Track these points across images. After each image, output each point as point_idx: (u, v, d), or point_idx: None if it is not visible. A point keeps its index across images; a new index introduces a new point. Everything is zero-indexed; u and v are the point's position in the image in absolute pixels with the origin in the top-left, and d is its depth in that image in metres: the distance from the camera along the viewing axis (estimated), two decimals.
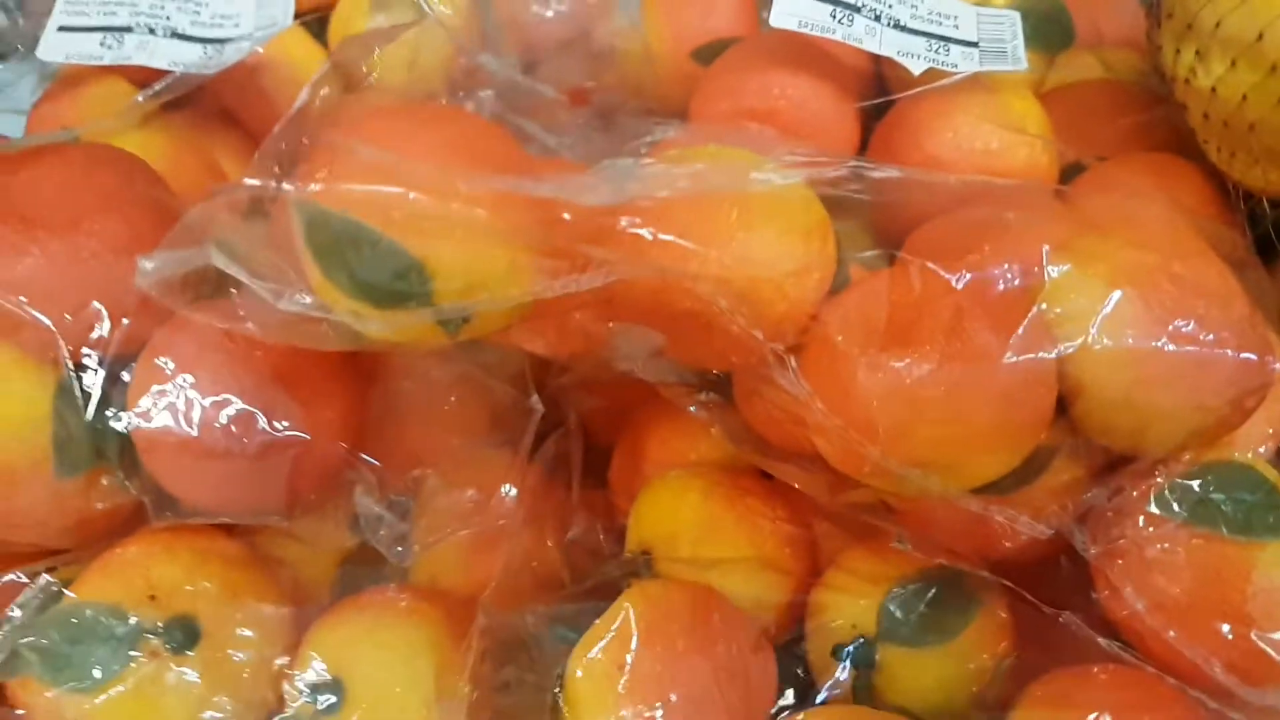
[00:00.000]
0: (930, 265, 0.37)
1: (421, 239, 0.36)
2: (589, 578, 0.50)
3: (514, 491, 0.48)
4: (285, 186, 0.34)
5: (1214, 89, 0.46)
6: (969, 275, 0.37)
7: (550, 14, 0.77)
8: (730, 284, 0.37)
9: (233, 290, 0.38)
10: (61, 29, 0.56)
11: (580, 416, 0.60)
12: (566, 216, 0.36)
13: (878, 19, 0.53)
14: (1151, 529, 0.39)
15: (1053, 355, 0.37)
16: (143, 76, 0.59)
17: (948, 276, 0.37)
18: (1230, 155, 0.47)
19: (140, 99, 0.55)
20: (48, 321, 0.41)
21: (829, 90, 0.55)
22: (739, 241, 0.38)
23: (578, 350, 0.47)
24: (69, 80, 0.66)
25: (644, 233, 0.37)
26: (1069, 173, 0.54)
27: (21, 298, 0.41)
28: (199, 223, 0.36)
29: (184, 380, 0.41)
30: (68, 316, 0.42)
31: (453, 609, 0.47)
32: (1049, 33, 0.56)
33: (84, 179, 0.43)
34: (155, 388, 0.41)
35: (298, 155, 0.37)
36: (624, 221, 0.37)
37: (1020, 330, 0.37)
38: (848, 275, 0.43)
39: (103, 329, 0.42)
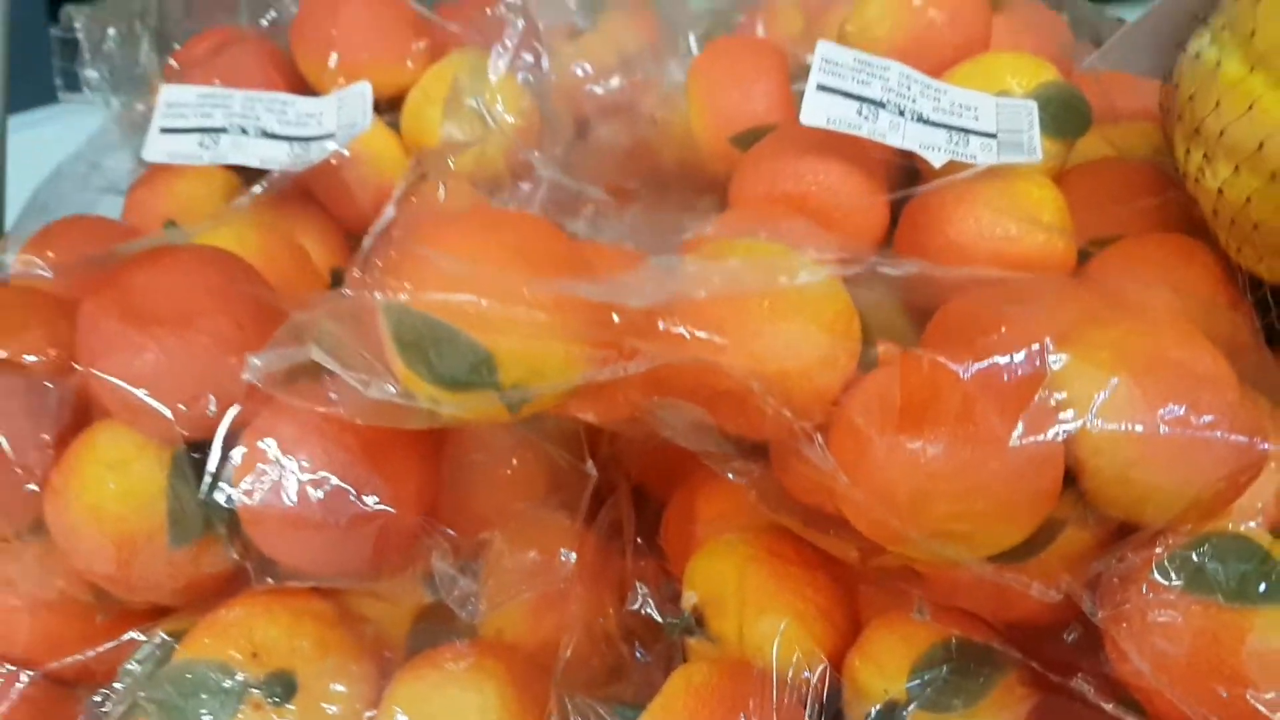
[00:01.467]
0: (941, 358, 0.41)
1: (490, 335, 0.42)
2: (645, 640, 0.54)
3: (573, 557, 0.53)
4: (376, 296, 0.40)
5: (1220, 190, 0.50)
6: (979, 365, 0.42)
7: (600, 90, 0.83)
8: (761, 372, 0.42)
9: (327, 379, 0.43)
10: (164, 130, 0.63)
11: (632, 476, 0.65)
12: (616, 318, 0.41)
13: (901, 113, 0.58)
14: (1153, 595, 0.43)
15: (1057, 438, 0.41)
16: None
17: (957, 368, 0.41)
18: (1238, 248, 0.51)
19: (241, 201, 0.60)
20: (165, 410, 0.47)
21: (859, 178, 0.59)
22: (769, 335, 0.43)
23: (625, 420, 0.53)
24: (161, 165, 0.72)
25: (683, 331, 0.42)
26: (1085, 252, 0.58)
27: (143, 390, 0.47)
28: (301, 325, 0.41)
29: (285, 460, 0.46)
30: (182, 406, 0.47)
31: (517, 663, 0.52)
32: (1067, 120, 0.60)
33: (195, 280, 0.49)
34: (259, 467, 0.47)
35: (386, 265, 0.42)
36: (663, 324, 0.42)
37: (1026, 415, 0.41)
38: (875, 353, 0.47)
39: (212, 415, 0.48)
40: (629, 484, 0.64)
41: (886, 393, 0.42)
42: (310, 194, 0.71)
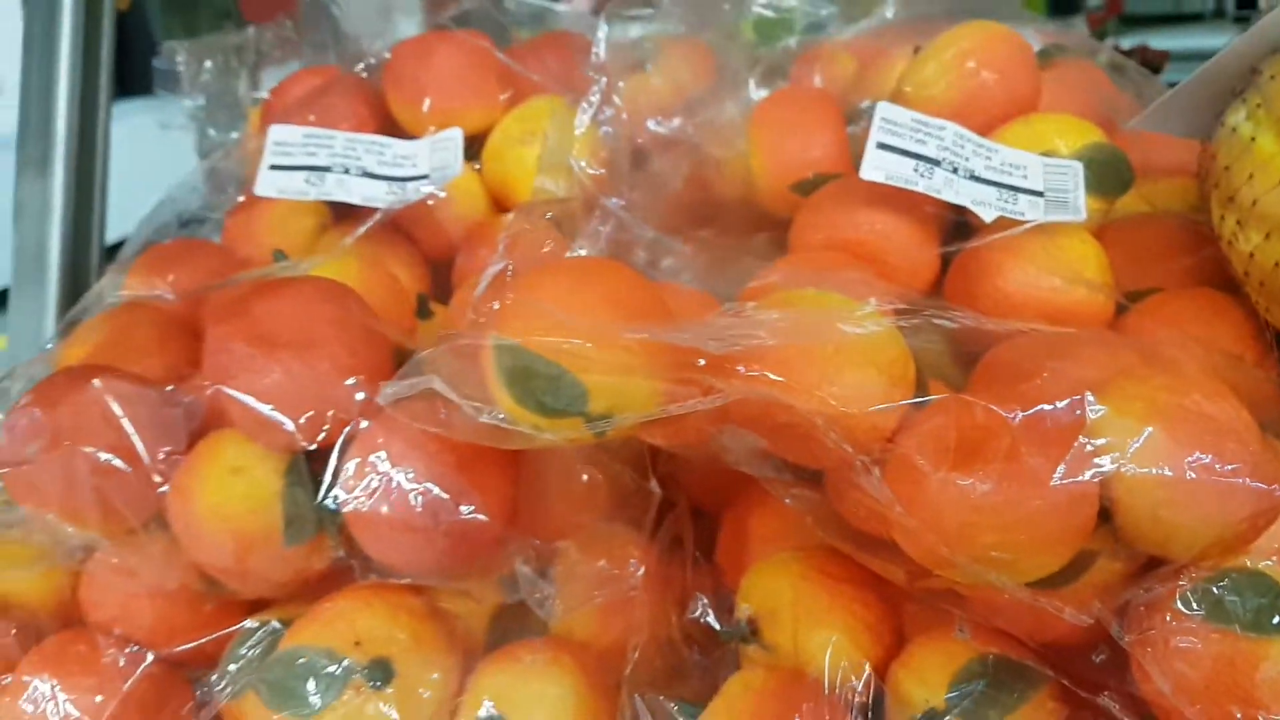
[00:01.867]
0: (991, 405, 0.46)
1: (586, 371, 0.47)
2: (703, 646, 0.59)
3: (642, 569, 0.58)
4: (490, 337, 0.45)
5: (1252, 254, 0.54)
6: (1026, 412, 0.46)
7: (662, 129, 0.88)
8: (826, 411, 0.47)
9: (440, 405, 0.48)
10: (273, 168, 0.69)
11: (689, 491, 0.70)
12: (701, 362, 0.47)
13: (955, 171, 0.63)
14: (1177, 623, 0.47)
15: (1094, 479, 0.46)
16: None
17: (1007, 414, 0.46)
18: (1267, 308, 0.56)
19: (347, 240, 0.66)
20: (288, 423, 0.53)
21: (913, 229, 0.64)
22: (834, 378, 0.48)
23: (690, 444, 0.58)
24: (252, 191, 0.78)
25: (758, 373, 0.47)
26: (1122, 304, 0.62)
27: (269, 405, 0.53)
28: (425, 360, 0.47)
29: (393, 471, 0.52)
30: (301, 420, 0.53)
31: (589, 661, 0.57)
32: (1109, 181, 0.65)
33: (314, 310, 0.55)
34: (369, 476, 0.52)
35: (497, 310, 0.47)
36: (742, 368, 0.47)
37: (1066, 458, 0.46)
38: (928, 392, 0.52)
39: (327, 429, 0.53)
40: (686, 500, 0.69)
41: (942, 433, 0.47)
42: (398, 226, 0.77)
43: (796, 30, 0.94)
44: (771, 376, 0.47)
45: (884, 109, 0.65)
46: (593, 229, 0.65)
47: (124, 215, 0.91)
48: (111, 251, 0.93)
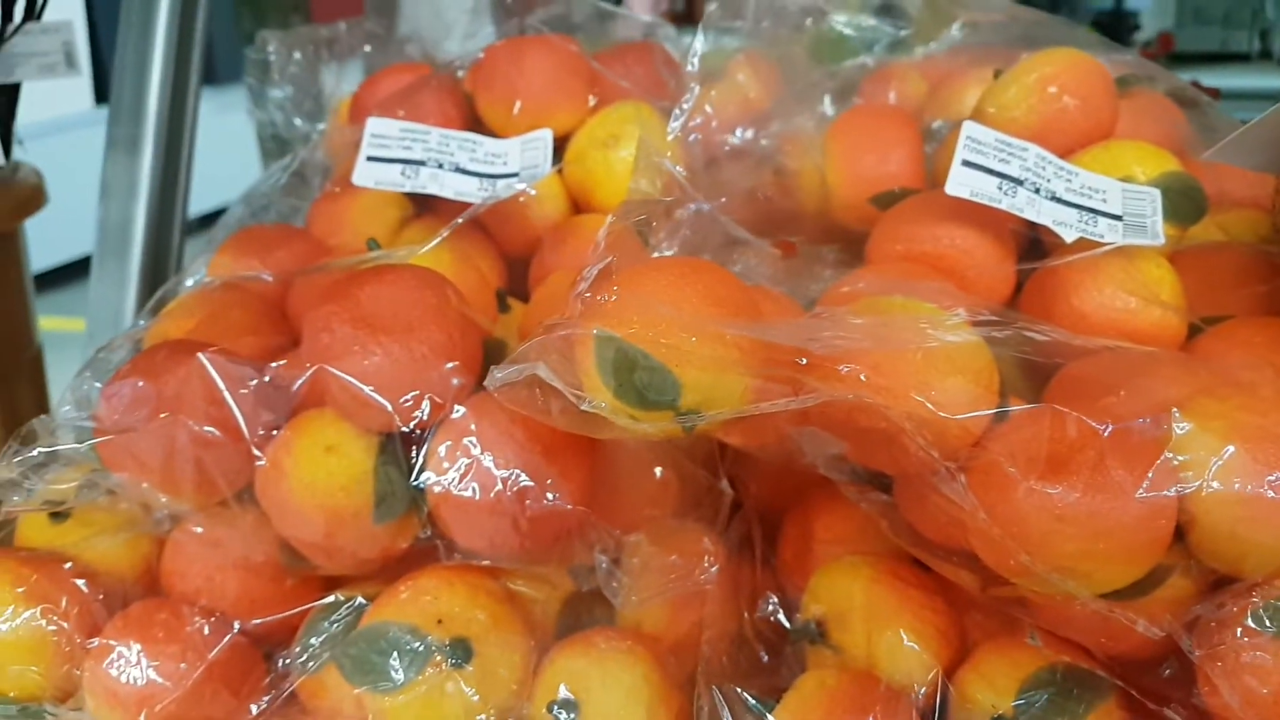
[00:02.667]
0: (1083, 417, 0.48)
1: (681, 366, 0.48)
2: (775, 648, 0.60)
3: (715, 566, 0.59)
4: (594, 330, 0.47)
5: None
6: (1113, 426, 0.48)
7: (736, 140, 0.90)
8: (919, 415, 0.48)
9: (538, 392, 0.50)
10: (370, 159, 0.71)
11: (751, 494, 0.71)
12: (804, 361, 0.48)
13: (1038, 191, 0.64)
14: (1247, 639, 0.48)
15: (1174, 494, 0.47)
16: None
17: (1097, 426, 0.47)
18: None
19: (443, 233, 0.68)
20: (387, 404, 0.54)
21: (991, 245, 0.65)
22: (928, 384, 0.49)
23: (767, 445, 0.59)
24: (341, 181, 0.80)
25: (860, 375, 0.48)
26: (1195, 328, 0.63)
27: (370, 386, 0.54)
28: (532, 349, 0.49)
29: (484, 456, 0.54)
30: (400, 401, 0.55)
31: (660, 652, 0.58)
32: (1185, 208, 0.66)
33: (414, 296, 0.57)
34: (460, 460, 0.54)
35: (602, 305, 0.49)
36: (845, 368, 0.48)
37: (1150, 473, 0.47)
38: (1009, 404, 0.54)
39: (423, 412, 0.55)
40: (753, 499, 0.71)
41: (1031, 442, 0.48)
42: (478, 222, 0.79)
43: (868, 50, 0.96)
44: (866, 379, 0.49)
45: (969, 128, 0.66)
46: (680, 229, 0.67)
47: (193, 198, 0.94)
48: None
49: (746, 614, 0.62)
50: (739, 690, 0.54)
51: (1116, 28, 4.33)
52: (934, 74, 0.97)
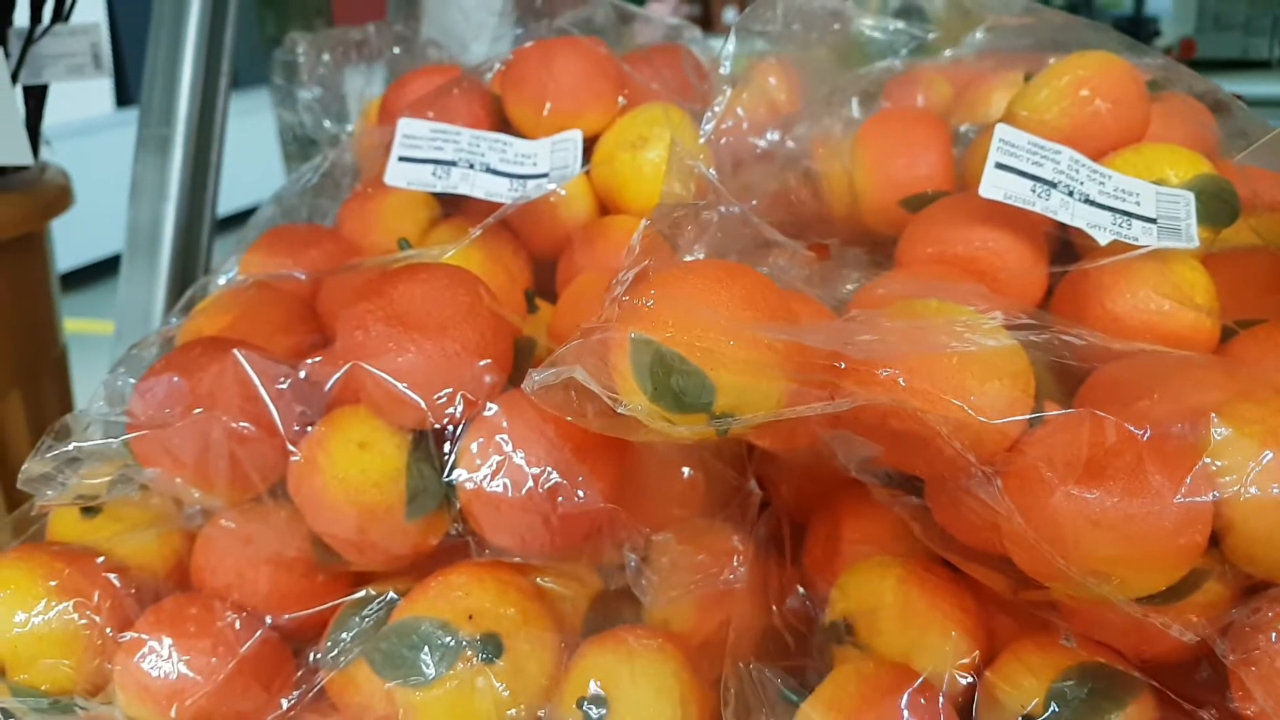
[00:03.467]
0: (1121, 422, 0.47)
1: (716, 369, 0.48)
2: (804, 641, 0.60)
3: (743, 567, 0.59)
4: (631, 334, 0.47)
5: None
6: (1151, 431, 0.47)
7: (763, 143, 0.90)
8: (956, 418, 0.48)
9: (573, 394, 0.50)
10: (401, 159, 0.71)
11: (778, 495, 0.71)
12: (842, 365, 0.48)
13: (1071, 194, 0.64)
14: None
15: (1211, 500, 0.47)
16: None
17: (1136, 431, 0.47)
18: None
19: (474, 232, 0.68)
20: (420, 401, 0.55)
21: (1024, 248, 0.65)
22: (965, 387, 0.49)
23: (798, 448, 0.59)
24: (371, 181, 0.81)
25: (899, 380, 0.48)
26: (1229, 330, 0.63)
27: (404, 383, 0.55)
28: (569, 352, 0.49)
29: (516, 454, 0.54)
30: (434, 398, 0.55)
31: (689, 650, 0.58)
32: (1218, 211, 0.65)
33: (448, 295, 0.57)
34: (492, 457, 0.54)
35: (638, 308, 0.49)
36: (884, 372, 0.48)
37: (1187, 479, 0.47)
38: (1043, 408, 0.53)
39: (456, 409, 0.55)
40: (782, 498, 0.71)
41: (1070, 446, 0.48)
42: (506, 223, 0.79)
43: (894, 53, 0.96)
44: (902, 382, 0.49)
45: (1002, 130, 0.66)
46: (713, 232, 0.67)
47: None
48: None
49: (775, 608, 0.62)
50: (769, 672, 0.53)
51: (1136, 34, 4.29)
52: (959, 78, 0.97)
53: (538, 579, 0.59)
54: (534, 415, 0.55)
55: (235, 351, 0.57)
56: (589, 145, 0.81)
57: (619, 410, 0.49)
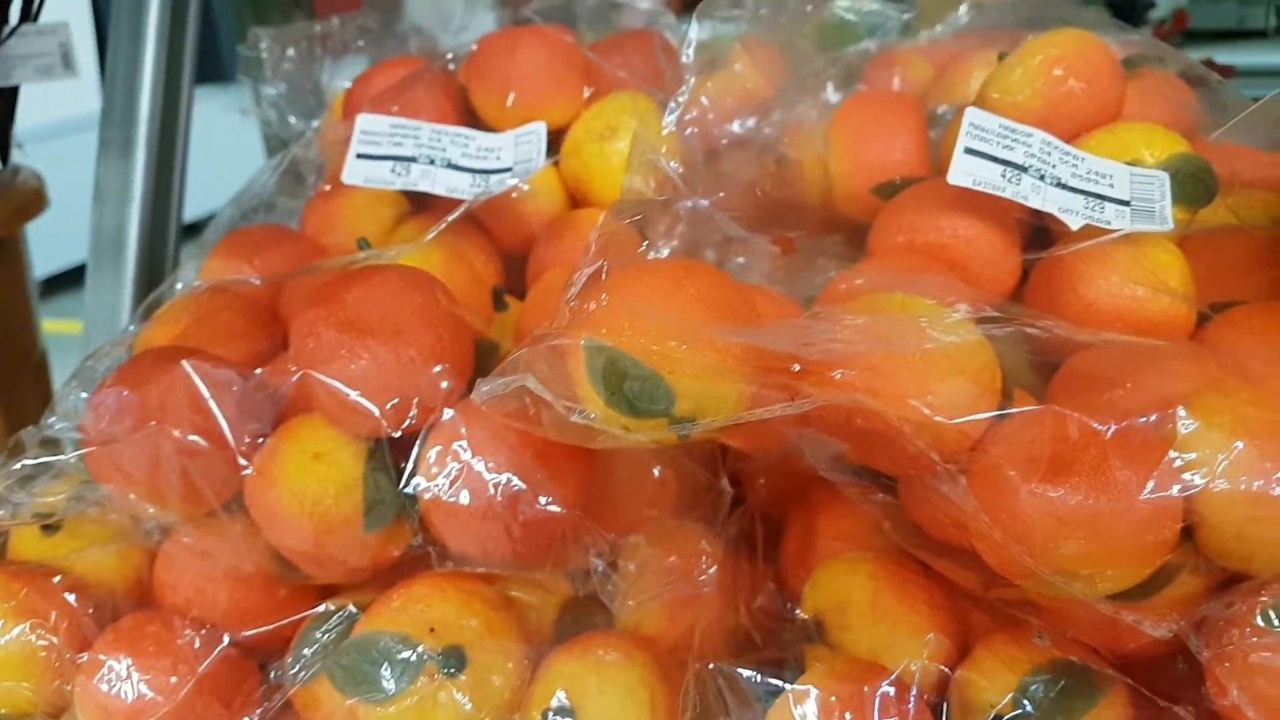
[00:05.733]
0: (1084, 417, 0.46)
1: (676, 374, 0.47)
2: (773, 638, 0.59)
3: (714, 567, 0.58)
4: (583, 338, 0.46)
5: None
6: (1116, 426, 0.46)
7: (737, 128, 0.88)
8: (915, 419, 0.47)
9: (529, 401, 0.49)
10: (359, 156, 0.69)
11: (754, 491, 0.70)
12: (797, 367, 0.47)
13: (1042, 178, 0.63)
14: (1255, 639, 0.46)
15: (1180, 494, 0.46)
16: None
17: (1099, 427, 0.46)
18: None
19: (435, 231, 0.66)
20: (374, 409, 0.53)
21: (996, 235, 0.64)
22: (924, 387, 0.48)
23: (767, 447, 0.58)
24: (334, 179, 0.79)
25: (851, 379, 0.47)
26: (1205, 315, 0.62)
27: (356, 391, 0.53)
28: (520, 359, 0.48)
29: (475, 461, 0.52)
30: (388, 406, 0.54)
31: (659, 654, 0.57)
32: (1195, 191, 0.64)
33: (402, 299, 0.55)
34: (451, 465, 0.53)
35: (592, 311, 0.48)
36: (838, 374, 0.47)
37: (1155, 473, 0.45)
38: (1012, 400, 0.52)
39: (413, 416, 0.54)
40: (757, 494, 0.69)
41: (1032, 444, 0.46)
42: (474, 218, 0.78)
43: (872, 34, 0.94)
44: (863, 383, 0.47)
45: (972, 114, 0.64)
46: (675, 228, 0.66)
47: (192, 198, 0.93)
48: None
49: (744, 607, 0.60)
50: (733, 672, 0.52)
51: (1131, 5, 4.28)
52: (939, 58, 0.95)
53: (503, 588, 0.58)
54: (493, 420, 0.54)
55: (184, 363, 0.56)
56: (557, 136, 0.79)
57: (572, 419, 0.47)
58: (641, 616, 0.60)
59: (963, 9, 1.09)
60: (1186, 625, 0.49)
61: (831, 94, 0.90)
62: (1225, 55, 4.02)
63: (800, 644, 0.59)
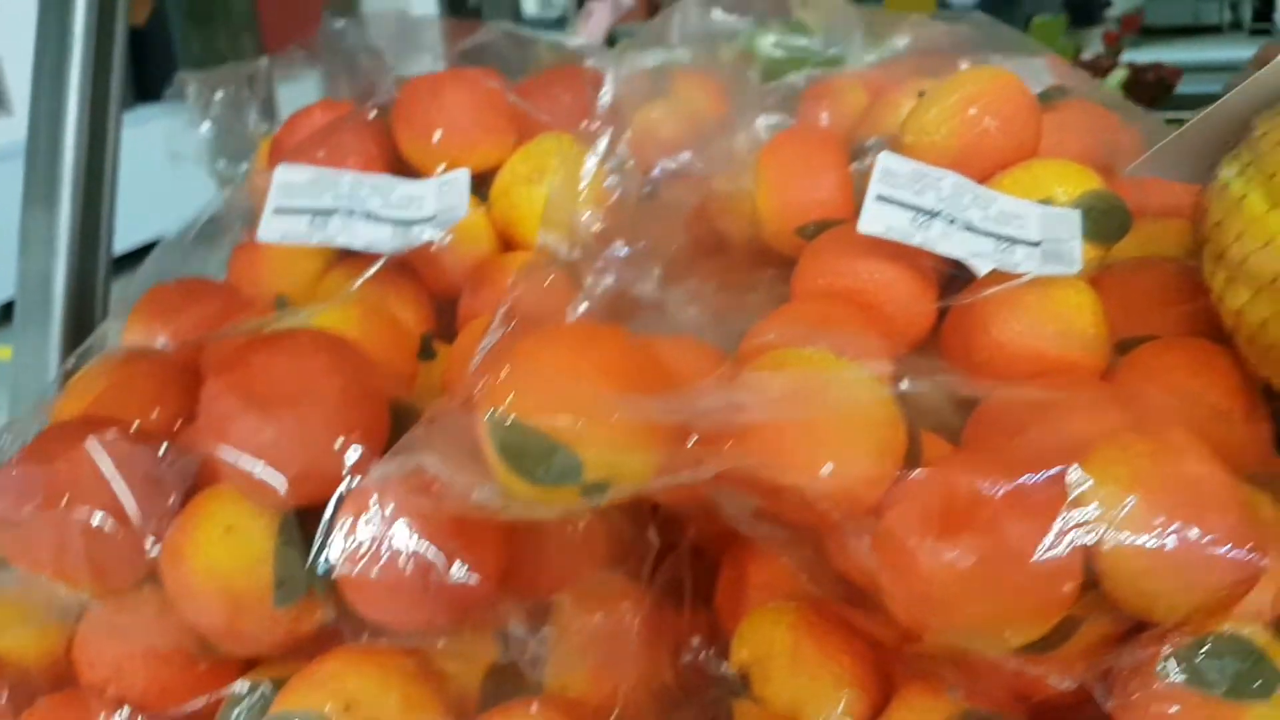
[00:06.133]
0: (979, 477, 0.46)
1: (581, 445, 0.47)
2: (700, 693, 0.59)
3: (638, 620, 0.58)
4: (483, 412, 0.46)
5: (1240, 311, 0.54)
6: (1010, 484, 0.47)
7: (672, 162, 0.88)
8: (810, 486, 0.48)
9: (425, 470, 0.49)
10: (278, 211, 0.69)
11: (690, 532, 0.70)
12: (694, 438, 0.47)
13: (953, 222, 0.63)
14: (1159, 688, 0.47)
15: (1077, 548, 0.46)
16: None
17: (993, 486, 0.46)
18: (1255, 363, 0.55)
19: (353, 288, 0.66)
20: (280, 481, 0.53)
21: (911, 280, 0.64)
22: (820, 453, 0.48)
23: (687, 503, 0.58)
24: None
25: (752, 448, 0.47)
26: (1116, 354, 0.62)
27: (261, 462, 0.53)
28: (419, 437, 0.48)
29: (386, 531, 0.52)
30: (294, 477, 0.53)
31: (585, 717, 0.57)
32: (1107, 228, 0.65)
33: (308, 364, 0.55)
34: (364, 536, 0.52)
35: (492, 382, 0.47)
36: (730, 445, 0.47)
37: (1051, 529, 0.46)
38: (920, 455, 0.52)
39: (322, 487, 0.54)
40: (687, 541, 0.69)
41: (927, 505, 0.47)
42: (404, 264, 0.78)
43: (807, 66, 0.94)
44: (762, 451, 0.48)
45: (885, 160, 0.65)
46: (596, 283, 0.66)
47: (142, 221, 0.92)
48: (121, 262, 0.94)
49: (670, 663, 0.60)
50: None
51: (1088, 5, 4.33)
52: (873, 86, 0.95)
53: (424, 659, 0.58)
54: (406, 488, 0.53)
55: (90, 439, 0.55)
56: (485, 180, 0.79)
57: (474, 497, 0.47)
58: (567, 680, 0.59)
59: (901, 34, 1.10)
60: (1092, 676, 0.49)
61: (764, 127, 0.91)
62: (1181, 51, 4.09)
63: (728, 699, 0.59)
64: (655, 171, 0.85)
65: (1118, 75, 1.59)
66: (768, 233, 0.78)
